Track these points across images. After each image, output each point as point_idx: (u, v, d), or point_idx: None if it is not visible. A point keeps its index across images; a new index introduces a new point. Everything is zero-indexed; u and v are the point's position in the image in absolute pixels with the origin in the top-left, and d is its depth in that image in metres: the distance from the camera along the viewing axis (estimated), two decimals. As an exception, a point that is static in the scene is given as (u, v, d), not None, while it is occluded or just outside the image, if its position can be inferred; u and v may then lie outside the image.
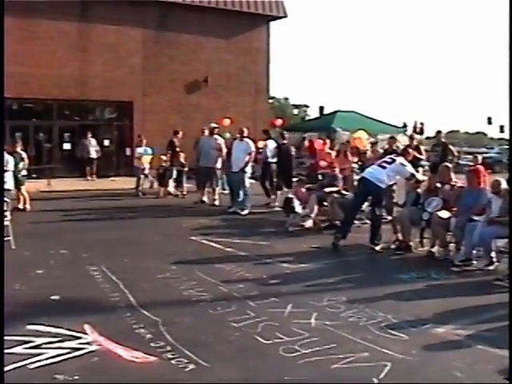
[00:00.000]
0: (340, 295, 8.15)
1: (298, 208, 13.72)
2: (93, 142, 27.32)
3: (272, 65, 34.02)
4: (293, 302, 7.77)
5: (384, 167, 11.70)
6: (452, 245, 10.72)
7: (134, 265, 10.13)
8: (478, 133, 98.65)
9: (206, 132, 19.02)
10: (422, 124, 34.77)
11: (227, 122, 24.22)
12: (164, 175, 21.12)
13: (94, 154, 27.11)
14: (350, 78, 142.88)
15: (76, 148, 28.29)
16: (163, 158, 21.13)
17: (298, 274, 9.54)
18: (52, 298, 8.03)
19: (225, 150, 18.29)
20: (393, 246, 11.57)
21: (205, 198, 18.77)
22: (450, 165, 12.36)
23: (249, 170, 16.62)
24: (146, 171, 21.75)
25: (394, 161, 11.82)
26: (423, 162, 16.64)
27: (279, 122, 34.11)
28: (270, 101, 42.80)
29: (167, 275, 9.30)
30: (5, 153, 13.68)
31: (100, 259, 10.36)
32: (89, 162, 27.10)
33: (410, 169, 11.89)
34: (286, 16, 33.66)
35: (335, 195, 14.12)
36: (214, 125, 19.19)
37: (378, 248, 11.46)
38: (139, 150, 22.12)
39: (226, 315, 7.26)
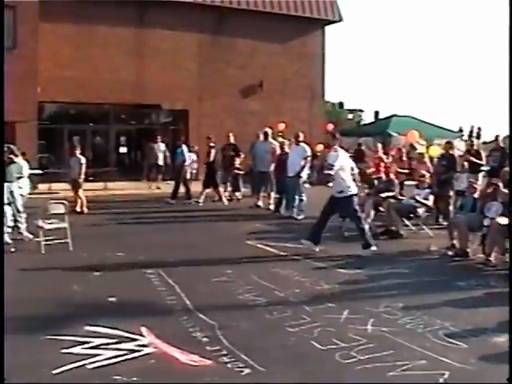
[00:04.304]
0: (397, 301, 8.07)
1: (354, 213, 13.63)
2: (162, 146, 25.89)
3: (327, 69, 33.98)
4: (349, 308, 7.73)
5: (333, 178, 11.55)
6: (511, 251, 10.51)
7: (190, 268, 10.22)
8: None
9: (261, 136, 19.03)
10: (478, 129, 34.38)
11: (282, 126, 24.23)
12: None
13: (161, 161, 25.66)
14: (405, 81, 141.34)
15: (142, 152, 28.16)
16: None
17: (354, 280, 9.49)
18: (109, 299, 8.14)
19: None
20: (450, 253, 11.41)
21: (260, 203, 18.77)
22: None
23: (304, 174, 16.57)
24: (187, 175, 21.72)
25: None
26: (483, 168, 16.35)
27: (330, 126, 34.12)
28: (325, 105, 42.59)
29: (223, 279, 9.34)
30: (20, 158, 13.69)
31: (156, 262, 10.45)
32: (155, 168, 25.64)
33: (332, 158, 11.59)
34: (341, 20, 33.56)
35: (391, 200, 14.00)
36: (267, 129, 19.19)
37: (373, 248, 11.35)
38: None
39: (282, 320, 7.25)
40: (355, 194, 11.65)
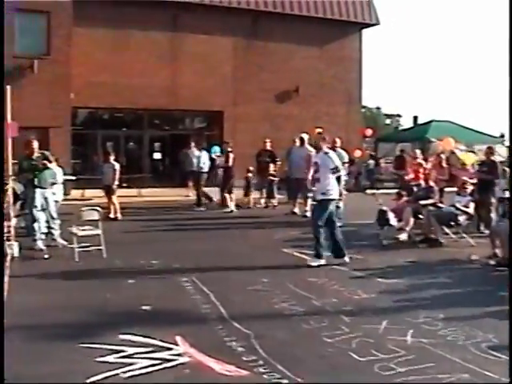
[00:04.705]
0: (437, 312, 7.97)
1: (393, 221, 13.55)
2: (196, 152, 24.10)
3: (364, 73, 33.89)
4: (388, 318, 7.66)
5: (318, 179, 11.33)
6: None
7: (224, 276, 10.23)
8: None
9: (297, 142, 18.99)
10: (520, 133, 33.92)
11: (319, 131, 24.13)
12: (248, 186, 21.33)
13: (196, 167, 23.71)
14: (444, 85, 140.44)
15: (176, 158, 28.00)
16: (250, 168, 21.33)
17: (393, 289, 9.40)
18: (143, 307, 8.16)
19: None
20: (492, 262, 11.26)
21: (296, 210, 18.73)
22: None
23: (342, 181, 16.48)
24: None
25: (316, 163, 11.48)
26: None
27: (369, 132, 33.99)
28: (362, 110, 42.50)
29: (258, 287, 9.33)
30: (54, 164, 13.79)
31: (191, 270, 10.49)
32: (191, 174, 23.87)
33: (333, 161, 11.30)
34: (378, 23, 33.44)
35: (431, 208, 13.88)
36: (304, 135, 19.15)
37: (313, 264, 10.97)
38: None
39: (319, 330, 7.22)
40: (334, 200, 11.45)
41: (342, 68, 32.36)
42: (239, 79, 29.90)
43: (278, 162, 20.89)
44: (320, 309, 8.19)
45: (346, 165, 16.71)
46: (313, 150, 18.28)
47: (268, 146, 20.99)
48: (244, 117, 29.63)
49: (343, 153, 16.63)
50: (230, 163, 20.37)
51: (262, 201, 21.25)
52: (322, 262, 11.06)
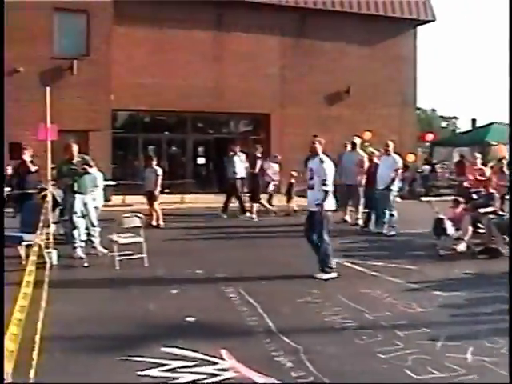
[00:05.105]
0: (499, 328, 7.84)
1: (450, 230, 13.39)
2: (242, 157, 23.24)
3: (418, 73, 33.54)
4: (445, 334, 7.56)
5: (312, 187, 11.26)
6: None
7: (271, 287, 10.21)
8: None
9: (349, 146, 18.88)
10: None
11: (368, 135, 24.05)
12: (290, 191, 21.27)
13: (243, 173, 22.71)
14: (505, 85, 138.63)
15: (221, 163, 27.96)
16: (293, 173, 21.25)
17: (451, 303, 9.28)
18: (187, 319, 8.19)
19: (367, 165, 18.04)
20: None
21: (347, 217, 18.63)
22: None
23: (395, 187, 16.37)
24: (272, 186, 21.69)
25: (311, 169, 11.41)
26: None
27: (430, 136, 33.62)
28: (417, 112, 42.14)
29: (308, 299, 9.29)
30: (94, 168, 13.81)
31: (236, 280, 10.51)
32: (229, 180, 23.02)
33: (325, 173, 11.20)
34: (434, 20, 33.10)
35: (491, 216, 13.70)
36: (356, 139, 19.04)
37: (325, 277, 10.82)
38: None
39: (372, 345, 7.16)
40: (331, 210, 11.41)
41: (395, 68, 32.05)
42: (287, 80, 29.82)
43: None
44: (373, 323, 8.12)
45: (400, 170, 16.58)
46: (364, 155, 18.30)
47: (318, 151, 20.90)
48: (292, 119, 29.51)
49: (397, 157, 16.47)
50: (257, 170, 20.35)
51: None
52: (334, 274, 11.00)
